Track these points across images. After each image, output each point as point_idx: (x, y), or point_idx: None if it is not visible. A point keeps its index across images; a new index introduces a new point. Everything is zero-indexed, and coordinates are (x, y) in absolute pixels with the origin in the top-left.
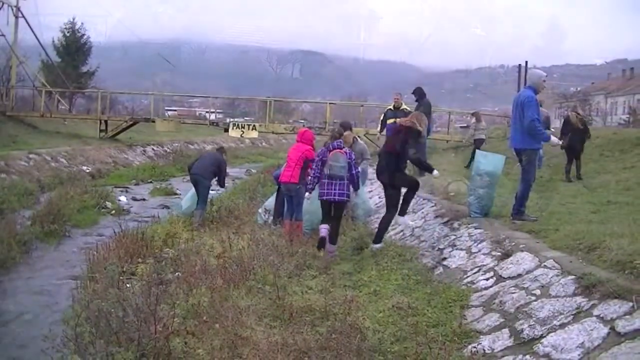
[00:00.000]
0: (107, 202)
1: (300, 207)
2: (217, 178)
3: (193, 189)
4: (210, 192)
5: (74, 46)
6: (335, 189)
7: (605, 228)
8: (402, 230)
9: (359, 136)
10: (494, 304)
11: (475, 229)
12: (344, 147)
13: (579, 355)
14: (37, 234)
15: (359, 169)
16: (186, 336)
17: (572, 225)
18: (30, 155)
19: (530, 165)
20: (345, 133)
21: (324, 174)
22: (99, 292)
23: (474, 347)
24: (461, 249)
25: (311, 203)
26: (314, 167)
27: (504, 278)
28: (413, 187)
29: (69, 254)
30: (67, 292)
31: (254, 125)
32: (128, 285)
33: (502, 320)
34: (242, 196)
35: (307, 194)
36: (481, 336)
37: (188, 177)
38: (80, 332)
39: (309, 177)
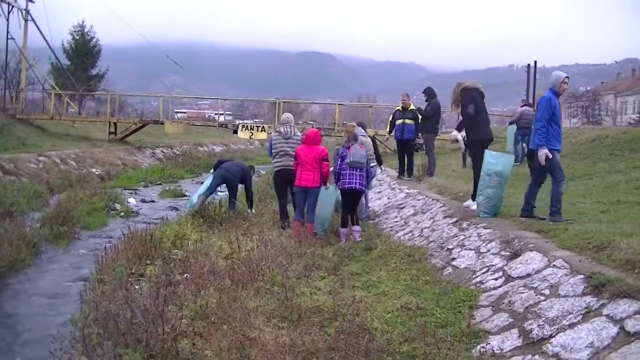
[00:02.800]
0: (116, 204)
1: (314, 208)
2: (244, 186)
3: (204, 184)
4: (219, 193)
5: (84, 49)
6: (356, 179)
7: (615, 227)
8: (411, 231)
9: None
10: (502, 303)
11: (484, 229)
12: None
13: (588, 355)
14: (47, 236)
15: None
16: (194, 337)
17: (582, 224)
18: (40, 158)
19: (551, 164)
20: (349, 124)
21: (344, 166)
22: (108, 293)
23: (483, 347)
24: (470, 249)
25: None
26: (336, 163)
27: (513, 278)
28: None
29: (78, 256)
30: (76, 294)
31: (263, 127)
32: (136, 286)
33: (511, 320)
34: None
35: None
36: (490, 336)
37: (197, 179)
38: (88, 334)
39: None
